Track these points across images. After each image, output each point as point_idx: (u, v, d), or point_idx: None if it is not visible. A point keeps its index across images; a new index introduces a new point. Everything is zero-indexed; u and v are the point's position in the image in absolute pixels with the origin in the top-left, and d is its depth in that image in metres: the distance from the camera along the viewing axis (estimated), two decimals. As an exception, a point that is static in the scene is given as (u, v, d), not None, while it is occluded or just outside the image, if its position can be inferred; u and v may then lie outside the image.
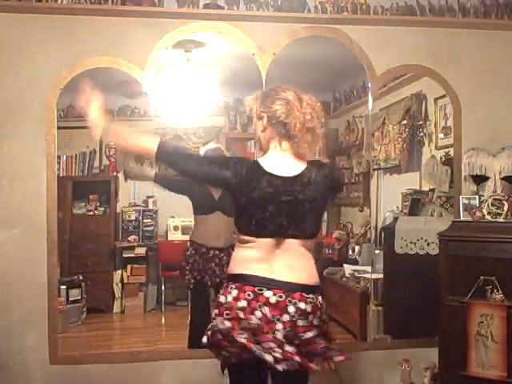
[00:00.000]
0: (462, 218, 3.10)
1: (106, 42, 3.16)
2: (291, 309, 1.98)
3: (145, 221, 4.45)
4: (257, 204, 2.03)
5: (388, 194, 3.95)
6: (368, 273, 3.71)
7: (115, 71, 3.18)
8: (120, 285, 4.32)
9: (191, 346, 3.45)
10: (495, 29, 3.48)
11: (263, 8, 3.31)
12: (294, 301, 1.99)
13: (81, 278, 4.02)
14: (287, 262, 2.05)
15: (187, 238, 4.36)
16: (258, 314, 1.97)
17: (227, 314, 2.00)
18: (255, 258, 2.05)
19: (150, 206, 4.49)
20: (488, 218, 2.98)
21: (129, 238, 4.41)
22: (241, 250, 2.11)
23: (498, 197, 3.04)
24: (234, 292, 2.02)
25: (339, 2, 3.36)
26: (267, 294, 1.99)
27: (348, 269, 4.06)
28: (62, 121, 3.62)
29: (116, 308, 4.30)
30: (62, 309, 3.54)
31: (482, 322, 2.80)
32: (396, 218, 3.71)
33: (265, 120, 2.11)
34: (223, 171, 2.05)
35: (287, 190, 2.03)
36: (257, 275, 2.02)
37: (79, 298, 3.96)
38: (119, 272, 4.34)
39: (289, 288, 2.00)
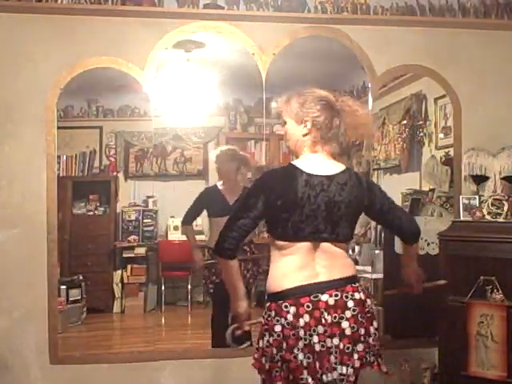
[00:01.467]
0: (461, 218, 3.10)
1: (106, 42, 3.16)
2: (350, 303, 1.98)
3: (145, 221, 4.45)
4: (293, 205, 1.98)
5: (388, 194, 3.95)
6: (368, 273, 3.71)
7: (115, 71, 3.18)
8: (120, 285, 4.32)
9: (215, 345, 3.46)
10: (495, 29, 3.48)
11: (263, 8, 3.31)
12: (349, 294, 1.99)
13: (81, 277, 4.02)
14: (327, 263, 2.01)
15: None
16: (324, 321, 1.93)
17: (293, 337, 1.93)
18: (296, 266, 2.00)
19: (150, 206, 4.49)
20: (488, 218, 2.98)
21: (129, 238, 4.41)
22: (279, 262, 2.04)
23: (497, 197, 3.04)
24: (292, 309, 1.95)
25: (339, 2, 3.36)
26: (324, 297, 1.96)
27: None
28: (62, 121, 3.63)
29: (116, 308, 4.30)
30: (62, 309, 3.54)
31: (482, 322, 2.80)
32: (396, 218, 3.70)
33: (309, 124, 2.05)
34: (259, 207, 1.99)
35: (324, 189, 1.99)
36: (305, 284, 1.97)
37: (79, 298, 3.96)
38: (119, 272, 4.34)
39: (339, 284, 1.99)
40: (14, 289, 3.07)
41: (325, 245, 2.02)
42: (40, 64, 3.10)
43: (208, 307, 4.08)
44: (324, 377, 1.93)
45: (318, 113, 2.04)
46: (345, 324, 1.95)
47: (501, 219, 2.96)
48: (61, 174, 3.91)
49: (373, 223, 3.84)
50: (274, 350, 1.95)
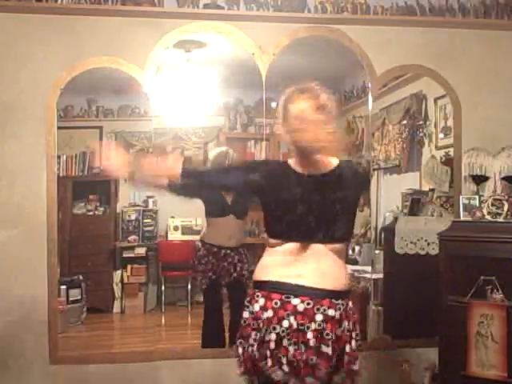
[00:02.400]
0: (461, 218, 3.10)
1: (106, 42, 3.16)
2: (319, 317, 1.91)
3: (145, 221, 4.46)
4: (286, 205, 1.97)
5: (388, 194, 3.95)
6: (368, 273, 3.71)
7: (115, 71, 3.18)
8: (120, 285, 4.33)
9: (204, 345, 3.47)
10: (495, 29, 3.48)
11: (263, 8, 3.31)
12: (322, 308, 1.92)
13: (81, 277, 4.03)
14: (314, 266, 1.97)
15: (187, 238, 4.38)
16: (285, 323, 1.91)
17: (254, 327, 1.96)
18: (280, 262, 1.99)
19: (150, 206, 4.49)
20: (488, 218, 2.98)
21: (129, 238, 4.42)
22: (267, 255, 2.06)
23: (497, 197, 3.04)
24: (261, 301, 1.96)
25: (339, 2, 3.36)
26: (295, 301, 1.92)
27: (348, 269, 4.05)
28: (62, 121, 3.63)
29: (116, 308, 4.31)
30: (62, 309, 3.54)
31: (482, 322, 2.80)
32: (396, 218, 3.71)
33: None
34: (251, 175, 2.00)
35: (317, 188, 1.97)
36: (283, 281, 1.95)
37: (79, 298, 3.97)
38: (119, 272, 4.34)
39: (316, 294, 1.93)
40: (14, 289, 3.07)
41: (317, 247, 1.98)
42: (40, 64, 3.10)
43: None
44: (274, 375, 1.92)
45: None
46: (309, 335, 1.91)
47: (501, 219, 2.96)
48: (61, 174, 3.91)
49: (373, 223, 3.84)
50: (242, 332, 2.01)
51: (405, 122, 3.91)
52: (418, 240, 3.52)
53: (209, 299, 3.75)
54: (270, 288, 1.97)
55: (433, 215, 3.61)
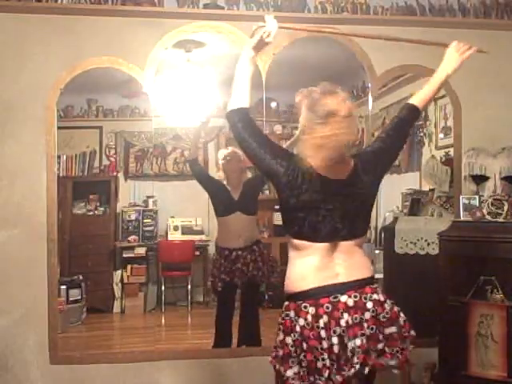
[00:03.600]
0: (461, 218, 3.10)
1: (106, 42, 3.16)
2: (369, 304, 1.95)
3: (145, 221, 4.46)
4: (309, 206, 1.96)
5: (388, 194, 3.95)
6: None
7: (115, 71, 3.18)
8: (120, 285, 4.33)
9: (216, 345, 3.47)
10: (495, 29, 3.48)
11: (263, 8, 3.32)
12: (368, 295, 1.96)
13: (81, 277, 4.03)
14: (346, 263, 1.99)
15: (187, 238, 4.38)
16: (343, 322, 1.91)
17: (309, 340, 1.91)
18: (315, 267, 1.97)
19: (150, 206, 4.49)
20: (488, 217, 2.98)
21: (129, 238, 4.42)
22: (298, 262, 2.02)
23: (497, 197, 3.04)
24: (311, 309, 1.93)
25: (339, 2, 3.36)
26: (343, 298, 1.93)
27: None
28: (62, 121, 3.63)
29: (116, 308, 4.31)
30: (62, 309, 3.54)
31: (482, 322, 2.80)
32: (396, 218, 3.71)
33: None
34: (277, 166, 1.95)
35: (341, 191, 1.97)
36: (325, 284, 1.95)
37: (79, 298, 3.97)
38: (119, 272, 4.34)
39: (358, 285, 1.97)
40: (14, 289, 3.07)
41: (344, 244, 2.00)
42: (40, 64, 3.10)
43: (208, 307, 4.08)
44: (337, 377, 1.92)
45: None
46: (365, 325, 1.94)
47: (501, 219, 2.96)
48: (61, 174, 3.91)
49: (373, 223, 3.84)
50: (295, 350, 1.94)
51: (405, 122, 3.90)
52: (418, 240, 3.52)
53: (222, 301, 3.74)
54: (315, 295, 1.95)
55: (433, 215, 3.61)
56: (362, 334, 1.92)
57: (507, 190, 3.17)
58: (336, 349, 1.91)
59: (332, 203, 1.96)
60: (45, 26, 3.11)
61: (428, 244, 3.48)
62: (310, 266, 1.98)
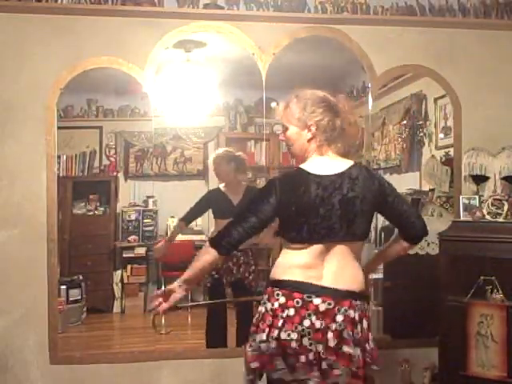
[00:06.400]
0: (462, 218, 3.10)
1: (106, 42, 3.16)
2: (339, 317, 1.93)
3: (145, 221, 4.46)
4: (308, 209, 1.95)
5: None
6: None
7: (115, 71, 3.18)
8: (120, 285, 4.33)
9: (209, 345, 3.48)
10: (495, 29, 3.48)
11: (263, 8, 3.31)
12: (343, 309, 1.94)
13: (81, 277, 4.02)
14: (336, 268, 1.98)
15: (187, 238, 4.38)
16: (307, 322, 1.92)
17: (270, 323, 1.94)
18: (303, 263, 1.98)
19: (150, 206, 4.49)
20: (488, 217, 2.98)
21: (129, 238, 4.42)
22: (288, 255, 2.03)
23: (498, 197, 3.04)
24: (282, 299, 1.95)
25: (339, 2, 3.36)
26: (316, 301, 1.93)
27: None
28: (62, 121, 3.63)
29: (116, 308, 4.31)
30: (62, 309, 3.54)
31: (482, 322, 2.80)
32: (396, 218, 3.70)
33: (313, 129, 2.02)
34: (268, 209, 1.97)
35: (336, 188, 1.97)
36: (305, 282, 1.95)
37: (79, 298, 3.96)
38: (119, 272, 4.34)
39: (338, 295, 1.95)
40: (14, 289, 3.07)
41: (339, 248, 1.99)
42: (40, 64, 3.10)
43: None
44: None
45: (321, 116, 2.01)
46: (329, 335, 1.92)
47: (501, 219, 2.96)
48: (61, 174, 3.91)
49: (373, 223, 3.83)
50: (253, 328, 1.99)
51: (405, 122, 3.90)
52: (418, 240, 3.52)
53: (212, 298, 3.75)
54: (291, 287, 1.96)
55: (433, 215, 3.61)
56: (326, 343, 1.91)
57: (507, 190, 3.17)
58: (294, 344, 1.91)
59: (330, 203, 1.96)
60: (45, 26, 3.11)
61: (428, 244, 3.47)
62: (299, 261, 2.00)
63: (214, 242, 2.01)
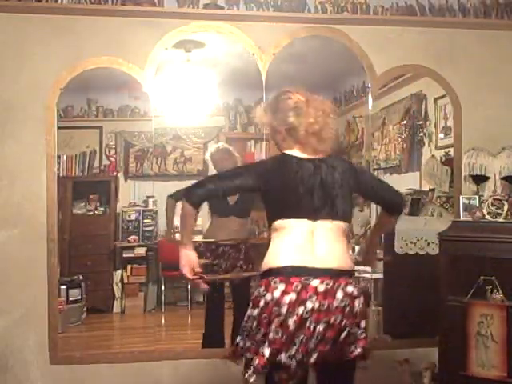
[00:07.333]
0: (461, 218, 3.10)
1: (106, 42, 3.16)
2: (339, 294, 1.98)
3: (145, 221, 4.46)
4: (290, 186, 2.05)
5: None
6: (368, 273, 3.70)
7: (115, 71, 3.18)
8: (120, 285, 4.33)
9: (205, 345, 3.47)
10: (495, 29, 3.48)
11: (263, 8, 3.31)
12: (341, 285, 1.99)
13: (81, 277, 4.02)
14: (326, 249, 2.04)
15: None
16: (309, 305, 1.94)
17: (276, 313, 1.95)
18: (293, 245, 2.03)
19: (150, 206, 4.49)
20: (488, 217, 2.98)
21: (129, 238, 4.42)
22: (277, 240, 2.08)
23: (498, 197, 3.04)
24: (281, 286, 1.96)
25: (339, 2, 3.36)
26: (314, 283, 1.96)
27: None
28: (62, 121, 3.63)
29: (116, 308, 4.31)
30: (62, 309, 3.54)
31: (482, 322, 2.80)
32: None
33: (283, 132, 2.16)
34: (247, 181, 2.11)
35: (315, 170, 2.08)
36: (300, 265, 1.99)
37: (79, 297, 3.96)
38: (119, 272, 4.34)
39: (334, 274, 2.00)
40: (14, 289, 3.07)
41: (325, 226, 2.05)
42: (40, 64, 3.10)
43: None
44: (306, 359, 1.94)
45: (291, 119, 2.12)
46: (331, 313, 1.96)
47: (501, 219, 2.96)
48: (61, 174, 3.91)
49: (373, 223, 3.84)
50: (255, 324, 1.98)
51: (405, 122, 3.90)
52: (418, 240, 3.52)
53: (209, 297, 3.75)
54: (287, 273, 1.98)
55: (433, 215, 3.61)
56: (326, 322, 1.94)
57: (507, 190, 3.17)
58: (292, 327, 1.93)
59: (310, 183, 2.06)
60: (45, 26, 3.11)
61: (428, 244, 3.48)
62: (288, 244, 2.04)
63: (187, 193, 2.11)
